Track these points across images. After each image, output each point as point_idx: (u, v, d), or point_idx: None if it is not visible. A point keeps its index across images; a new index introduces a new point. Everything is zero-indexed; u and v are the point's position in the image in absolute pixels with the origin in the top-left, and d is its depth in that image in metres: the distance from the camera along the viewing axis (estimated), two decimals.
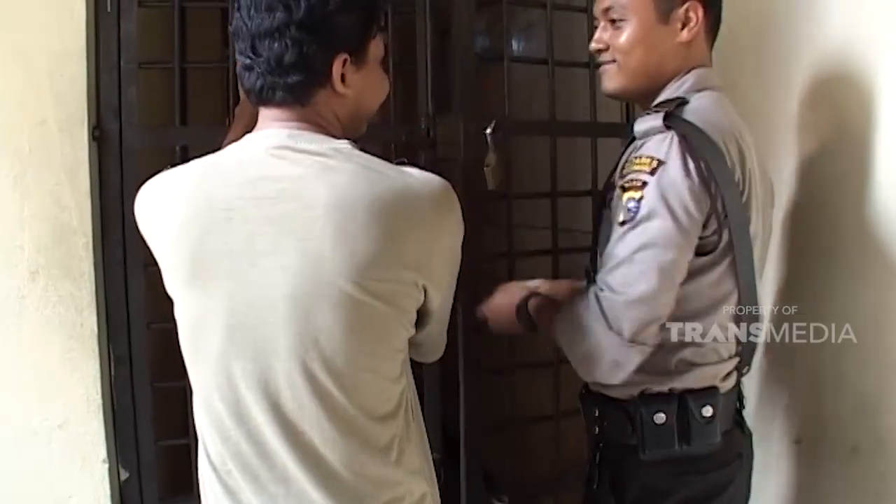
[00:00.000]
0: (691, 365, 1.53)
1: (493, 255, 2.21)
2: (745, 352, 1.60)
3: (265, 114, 1.32)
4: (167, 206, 1.28)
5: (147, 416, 1.94)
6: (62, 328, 1.85)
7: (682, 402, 1.53)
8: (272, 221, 1.23)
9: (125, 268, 1.90)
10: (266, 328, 1.24)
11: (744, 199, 1.50)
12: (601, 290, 1.45)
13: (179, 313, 1.31)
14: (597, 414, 1.63)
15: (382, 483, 1.33)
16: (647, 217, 1.42)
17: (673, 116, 1.48)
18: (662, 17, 1.57)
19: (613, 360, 1.45)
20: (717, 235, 1.48)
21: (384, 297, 1.25)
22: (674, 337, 1.51)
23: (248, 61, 1.28)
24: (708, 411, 1.53)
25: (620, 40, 1.58)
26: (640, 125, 1.53)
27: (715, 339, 1.54)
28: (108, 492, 1.90)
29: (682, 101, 1.52)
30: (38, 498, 1.88)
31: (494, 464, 2.28)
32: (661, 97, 1.58)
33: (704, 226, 1.46)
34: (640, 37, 1.57)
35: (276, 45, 1.24)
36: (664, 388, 1.53)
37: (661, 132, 1.48)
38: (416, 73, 2.04)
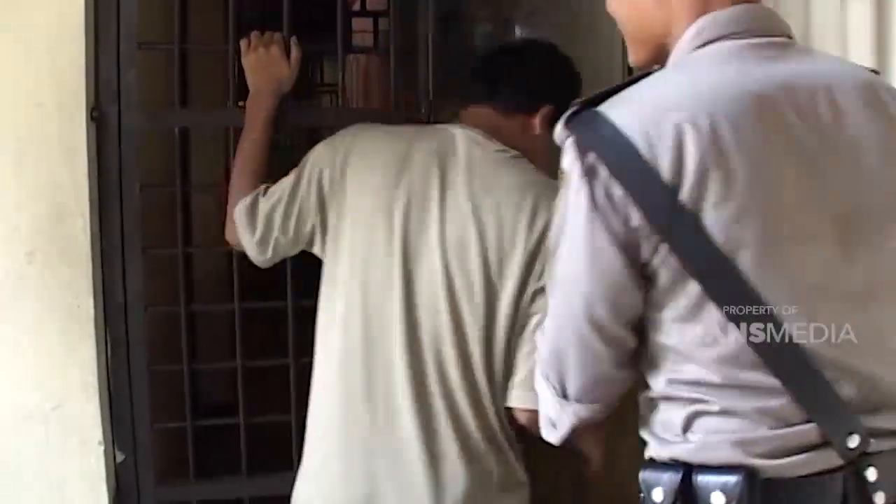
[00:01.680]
0: None
1: None
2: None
3: (466, 115, 1.69)
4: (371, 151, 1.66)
5: (144, 398, 1.94)
6: (59, 310, 1.85)
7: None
8: (446, 174, 1.60)
9: (123, 250, 1.89)
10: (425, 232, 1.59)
11: (685, 196, 1.02)
12: None
13: (355, 223, 1.62)
14: None
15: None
16: (558, 251, 1.11)
17: (576, 114, 1.09)
18: None
19: (547, 418, 1.21)
20: (658, 258, 1.06)
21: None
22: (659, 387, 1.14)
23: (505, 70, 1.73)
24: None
25: (613, 4, 1.24)
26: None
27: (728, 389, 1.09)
28: (103, 474, 1.90)
29: (636, 78, 1.15)
30: (34, 479, 1.87)
31: None
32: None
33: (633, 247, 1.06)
34: None
35: (529, 69, 1.72)
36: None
37: (564, 136, 1.09)
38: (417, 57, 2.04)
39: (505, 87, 1.68)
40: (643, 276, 1.07)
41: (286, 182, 1.69)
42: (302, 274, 1.97)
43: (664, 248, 1.04)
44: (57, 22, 1.82)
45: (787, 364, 1.06)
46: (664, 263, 1.05)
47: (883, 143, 1.10)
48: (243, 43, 1.87)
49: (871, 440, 1.06)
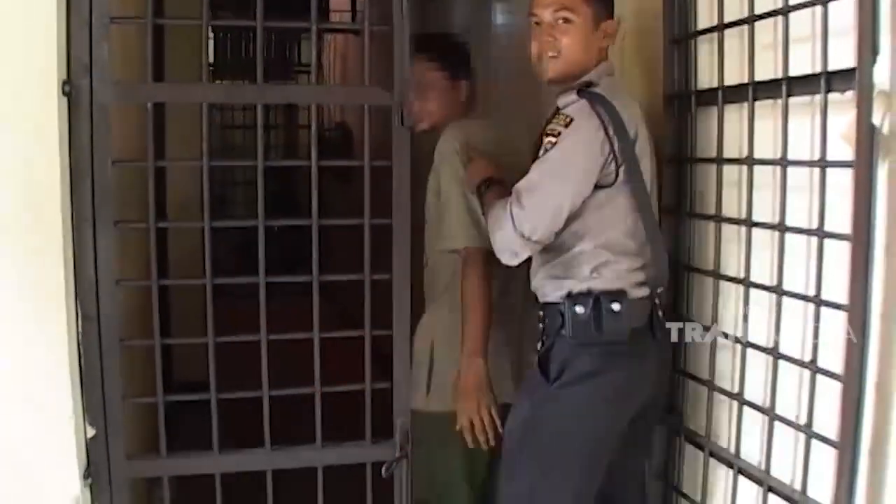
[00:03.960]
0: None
1: None
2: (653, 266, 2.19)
3: None
4: None
5: (115, 373, 1.93)
6: (29, 284, 1.84)
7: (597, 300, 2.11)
8: None
9: (94, 224, 1.88)
10: None
11: (637, 148, 2.12)
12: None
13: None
14: None
15: None
16: (555, 154, 2.08)
17: (586, 91, 2.13)
18: (595, 26, 2.19)
19: (511, 251, 2.12)
20: (615, 173, 2.10)
21: None
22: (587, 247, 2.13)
23: None
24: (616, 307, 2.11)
25: (566, 40, 2.16)
26: (563, 99, 2.18)
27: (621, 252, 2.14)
28: (74, 449, 1.89)
29: (589, 83, 2.16)
30: (3, 454, 1.87)
31: None
32: (582, 80, 2.18)
33: (605, 164, 2.08)
34: (581, 39, 2.16)
35: None
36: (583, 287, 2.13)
37: (576, 101, 2.13)
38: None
39: None
40: (599, 179, 2.10)
41: None
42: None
43: (621, 167, 2.11)
44: None
45: (654, 239, 2.17)
46: (618, 174, 2.11)
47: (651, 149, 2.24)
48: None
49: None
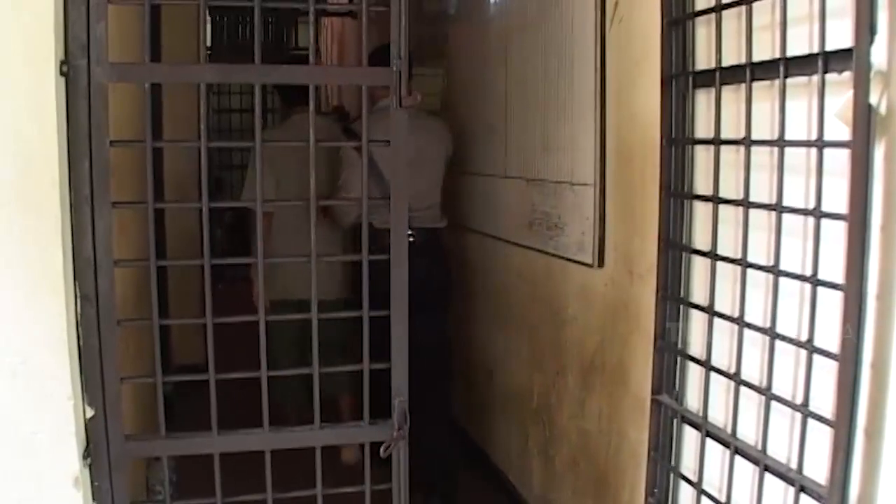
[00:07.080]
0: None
1: None
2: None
3: None
4: None
5: (113, 354, 1.93)
6: (26, 264, 1.83)
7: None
8: None
9: (92, 205, 1.88)
10: None
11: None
12: None
13: None
14: None
15: None
16: None
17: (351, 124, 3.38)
18: None
19: None
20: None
21: None
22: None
23: None
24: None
25: None
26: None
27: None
28: (73, 429, 1.90)
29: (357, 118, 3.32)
30: (2, 433, 1.87)
31: None
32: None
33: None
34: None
35: None
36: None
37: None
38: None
39: None
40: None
41: None
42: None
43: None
44: None
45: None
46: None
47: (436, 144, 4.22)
48: None
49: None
